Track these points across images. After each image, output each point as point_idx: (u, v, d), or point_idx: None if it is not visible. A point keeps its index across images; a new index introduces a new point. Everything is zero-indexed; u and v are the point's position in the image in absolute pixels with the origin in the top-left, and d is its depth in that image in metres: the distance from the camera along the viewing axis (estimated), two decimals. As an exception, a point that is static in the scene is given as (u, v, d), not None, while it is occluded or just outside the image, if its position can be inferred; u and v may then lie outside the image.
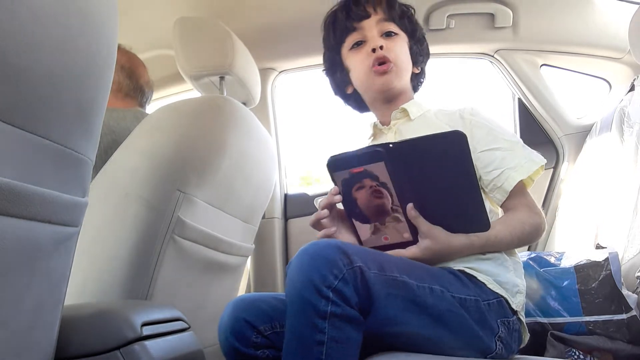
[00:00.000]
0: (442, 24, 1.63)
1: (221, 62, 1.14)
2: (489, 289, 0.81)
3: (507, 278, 0.85)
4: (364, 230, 0.83)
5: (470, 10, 1.62)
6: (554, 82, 1.75)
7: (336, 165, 0.80)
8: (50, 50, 0.43)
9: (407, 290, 0.72)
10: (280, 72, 1.86)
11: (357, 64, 1.04)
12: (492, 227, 0.83)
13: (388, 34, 1.03)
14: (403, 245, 0.81)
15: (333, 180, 0.82)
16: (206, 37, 1.16)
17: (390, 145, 0.76)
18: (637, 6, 1.28)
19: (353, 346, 0.67)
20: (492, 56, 1.75)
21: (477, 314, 0.77)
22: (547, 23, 1.63)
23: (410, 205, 0.79)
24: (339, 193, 0.81)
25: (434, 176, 0.78)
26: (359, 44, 1.04)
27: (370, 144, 1.07)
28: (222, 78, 1.19)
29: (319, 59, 1.77)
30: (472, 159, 0.76)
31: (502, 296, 0.82)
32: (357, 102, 1.13)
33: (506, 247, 0.86)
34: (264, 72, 1.77)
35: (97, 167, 1.01)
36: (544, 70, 1.75)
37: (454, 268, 0.82)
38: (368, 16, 1.03)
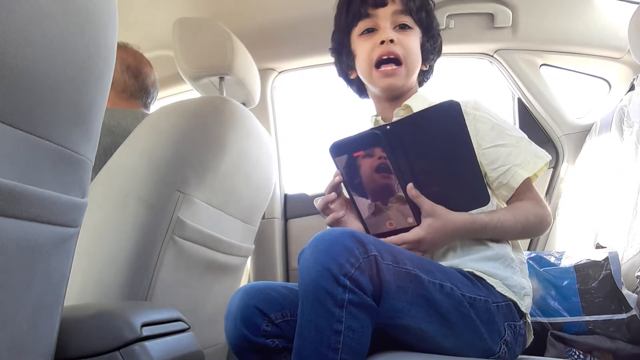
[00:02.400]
0: (442, 24, 1.63)
1: (220, 63, 1.14)
2: (498, 292, 0.81)
3: (515, 281, 0.84)
4: (368, 212, 0.83)
5: (470, 11, 1.62)
6: (554, 82, 1.75)
7: (337, 150, 0.82)
8: (49, 51, 0.43)
9: (418, 284, 0.71)
10: (279, 73, 1.86)
11: (363, 53, 1.00)
12: (495, 212, 0.84)
13: (402, 27, 0.99)
14: (407, 231, 0.81)
15: (336, 165, 0.83)
16: (205, 38, 1.16)
17: (388, 127, 0.77)
18: (637, 6, 1.28)
19: (367, 334, 0.67)
20: (492, 56, 1.75)
21: (485, 314, 0.77)
22: (547, 23, 1.63)
23: (410, 185, 0.79)
24: (341, 175, 0.83)
25: (432, 151, 0.79)
26: (370, 31, 0.99)
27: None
28: (221, 78, 1.19)
29: (318, 59, 1.80)
30: (467, 127, 0.76)
31: (511, 300, 0.82)
32: (359, 88, 1.10)
33: (510, 234, 0.86)
34: (264, 73, 1.77)
35: (97, 168, 1.01)
36: (543, 70, 1.75)
37: (464, 269, 0.82)
38: (384, 4, 0.98)
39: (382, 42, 0.96)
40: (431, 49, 1.05)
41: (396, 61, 0.96)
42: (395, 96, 1.01)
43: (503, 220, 0.83)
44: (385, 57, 0.96)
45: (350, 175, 0.82)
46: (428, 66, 1.07)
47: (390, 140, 0.77)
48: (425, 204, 0.79)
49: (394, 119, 1.00)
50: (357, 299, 0.64)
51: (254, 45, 1.34)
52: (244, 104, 1.25)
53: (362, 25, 1.01)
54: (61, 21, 0.44)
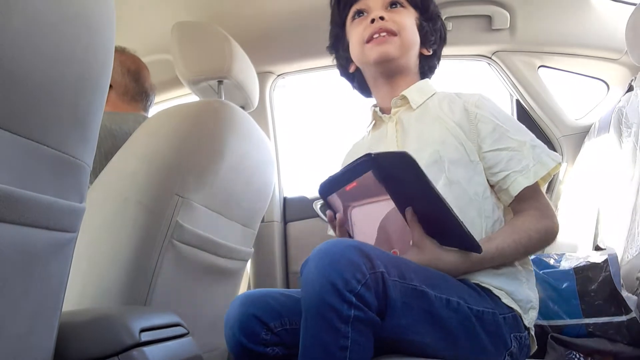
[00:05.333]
0: (440, 27, 1.64)
1: (219, 67, 1.14)
2: (504, 303, 0.80)
3: (522, 294, 0.82)
4: (370, 242, 0.80)
5: (468, 13, 1.63)
6: (552, 83, 1.75)
7: (329, 188, 0.79)
8: (47, 55, 0.43)
9: (425, 300, 0.70)
10: (278, 76, 1.86)
11: (355, 36, 0.99)
12: (494, 239, 0.80)
13: (394, 5, 0.98)
14: None
15: (328, 204, 0.81)
16: (204, 42, 1.16)
17: (372, 155, 0.74)
18: (634, 7, 1.29)
19: (371, 345, 0.66)
20: (490, 58, 1.75)
21: (492, 326, 0.76)
22: (544, 25, 1.64)
23: (409, 209, 0.76)
24: (334, 215, 0.81)
25: (411, 192, 0.75)
26: (360, 14, 0.99)
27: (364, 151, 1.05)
28: (220, 82, 1.19)
29: (317, 62, 1.80)
30: (427, 180, 0.71)
31: (515, 311, 0.81)
32: (360, 83, 1.08)
33: (512, 258, 0.82)
34: (262, 76, 1.77)
35: (97, 172, 1.01)
36: (541, 71, 1.75)
37: (470, 281, 0.80)
38: None
39: (373, 21, 0.95)
40: (431, 30, 1.01)
41: (389, 33, 0.94)
42: (391, 71, 0.98)
43: (502, 248, 0.79)
44: (377, 36, 0.94)
45: (346, 209, 0.79)
46: (432, 52, 1.04)
47: (378, 167, 0.74)
48: (416, 232, 0.76)
49: (393, 110, 0.98)
50: (363, 315, 0.63)
51: (253, 49, 1.34)
52: (242, 107, 1.25)
53: (353, 9, 1.01)
54: (58, 26, 0.44)
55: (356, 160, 0.75)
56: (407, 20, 0.98)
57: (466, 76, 2.00)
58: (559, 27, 1.64)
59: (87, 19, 0.48)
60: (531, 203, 0.85)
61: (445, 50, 1.75)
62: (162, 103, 1.87)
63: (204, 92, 1.25)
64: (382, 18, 0.94)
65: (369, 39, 0.95)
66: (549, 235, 0.84)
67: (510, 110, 1.84)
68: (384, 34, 0.94)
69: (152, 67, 1.47)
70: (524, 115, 1.79)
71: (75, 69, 0.47)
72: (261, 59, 1.69)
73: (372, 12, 0.97)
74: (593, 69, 1.74)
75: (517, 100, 1.79)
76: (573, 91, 1.82)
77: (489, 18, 1.63)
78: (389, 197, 0.76)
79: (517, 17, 1.61)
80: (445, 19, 1.63)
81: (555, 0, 1.56)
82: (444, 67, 1.82)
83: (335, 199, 0.80)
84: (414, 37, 0.98)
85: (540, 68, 1.75)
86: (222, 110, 1.09)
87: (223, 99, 1.19)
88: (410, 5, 1.00)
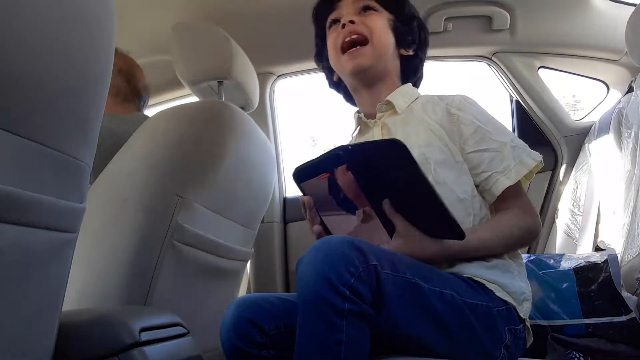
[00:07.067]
0: (440, 27, 1.64)
1: (219, 67, 1.14)
2: (497, 296, 0.80)
3: (515, 286, 0.83)
4: (338, 232, 0.81)
5: (468, 13, 1.63)
6: (552, 84, 1.76)
7: (302, 174, 0.80)
8: (47, 57, 0.43)
9: (418, 293, 0.70)
10: (278, 77, 1.86)
11: (330, 44, 1.02)
12: (476, 231, 0.81)
13: (366, 10, 1.00)
14: None
15: (302, 191, 0.82)
16: (204, 42, 1.16)
17: (349, 147, 0.74)
18: (634, 8, 1.29)
19: (367, 341, 0.66)
20: (490, 59, 1.75)
21: (486, 320, 0.76)
22: (544, 25, 1.64)
23: (386, 201, 0.76)
24: (312, 202, 0.82)
25: (393, 182, 0.75)
26: (335, 23, 1.02)
27: (353, 141, 1.07)
28: (220, 83, 1.19)
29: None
30: (418, 167, 0.70)
31: (510, 304, 0.81)
32: (345, 91, 1.10)
33: (493, 250, 0.83)
34: (263, 77, 1.77)
35: (98, 172, 1.01)
36: (541, 72, 1.75)
37: (463, 275, 0.81)
38: None
39: (344, 27, 0.97)
40: (406, 31, 1.03)
41: (361, 42, 0.97)
42: (368, 80, 1.00)
43: (484, 240, 0.81)
44: (348, 39, 0.97)
45: (318, 198, 0.80)
46: (413, 52, 1.05)
47: (353, 161, 0.73)
48: (400, 223, 0.76)
49: (378, 115, 1.00)
50: (357, 308, 0.63)
51: (253, 49, 1.34)
52: (242, 108, 1.25)
53: (329, 20, 1.04)
54: (60, 27, 0.44)
55: (333, 150, 0.75)
56: (379, 22, 0.99)
57: (466, 77, 2.00)
58: (559, 28, 1.64)
59: (88, 20, 0.48)
60: (514, 202, 0.87)
61: (446, 51, 1.77)
62: (162, 104, 1.87)
63: (204, 93, 1.25)
64: (352, 22, 0.97)
65: (342, 46, 0.98)
66: (531, 232, 0.86)
67: (510, 111, 1.84)
68: (355, 36, 0.96)
69: (152, 68, 1.47)
70: (524, 116, 1.79)
71: (76, 70, 0.48)
72: (261, 60, 1.69)
73: (344, 18, 0.99)
74: (593, 70, 1.75)
75: (517, 101, 1.80)
76: (573, 92, 1.82)
77: (488, 19, 1.63)
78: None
79: (517, 17, 1.61)
80: (446, 19, 1.63)
81: (555, 1, 1.57)
82: (444, 67, 1.84)
83: (307, 186, 0.81)
84: (387, 38, 1.00)
85: (540, 69, 1.75)
86: (222, 111, 1.09)
87: (223, 99, 1.19)
88: (383, 9, 1.02)
